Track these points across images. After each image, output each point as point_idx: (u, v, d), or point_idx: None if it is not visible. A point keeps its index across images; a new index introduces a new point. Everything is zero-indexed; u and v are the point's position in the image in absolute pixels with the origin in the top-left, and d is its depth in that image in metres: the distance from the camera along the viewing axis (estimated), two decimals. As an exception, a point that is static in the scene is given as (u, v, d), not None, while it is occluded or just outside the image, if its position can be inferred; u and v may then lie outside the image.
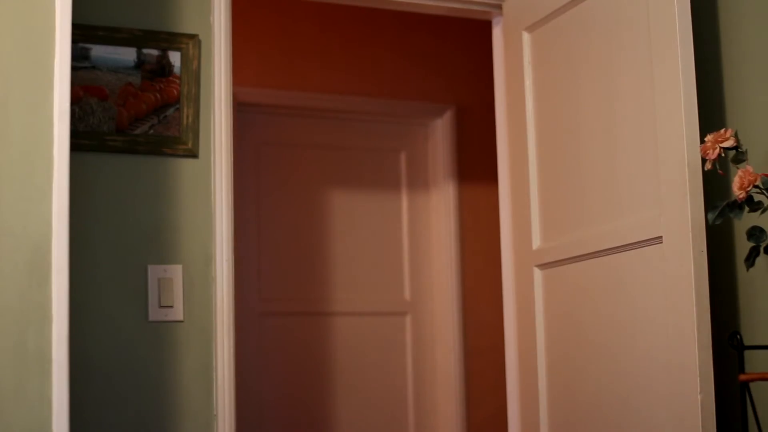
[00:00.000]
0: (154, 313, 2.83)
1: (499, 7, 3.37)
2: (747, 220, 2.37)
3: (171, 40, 2.92)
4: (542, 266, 3.07)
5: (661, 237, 2.58)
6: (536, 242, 3.10)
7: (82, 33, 2.80)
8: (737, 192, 2.25)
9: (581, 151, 2.94)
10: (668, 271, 2.55)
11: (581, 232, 2.92)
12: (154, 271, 2.84)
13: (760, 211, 2.26)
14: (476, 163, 4.94)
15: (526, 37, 3.20)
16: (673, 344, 2.52)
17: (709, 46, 2.76)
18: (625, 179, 2.75)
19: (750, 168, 2.26)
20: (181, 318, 2.85)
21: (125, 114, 2.87)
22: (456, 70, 5.06)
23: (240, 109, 4.47)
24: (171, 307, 2.84)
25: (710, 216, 2.29)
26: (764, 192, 2.24)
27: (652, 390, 2.60)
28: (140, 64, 2.90)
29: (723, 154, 2.30)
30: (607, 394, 2.77)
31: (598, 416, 2.81)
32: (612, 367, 2.75)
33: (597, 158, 2.87)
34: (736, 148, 2.30)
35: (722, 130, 2.32)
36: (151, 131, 2.89)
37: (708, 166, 2.33)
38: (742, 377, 2.36)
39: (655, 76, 2.62)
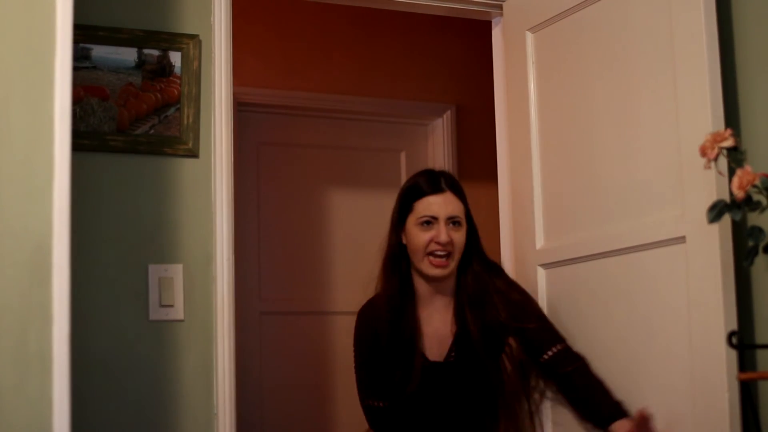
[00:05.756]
0: (155, 313, 2.84)
1: (500, 7, 3.37)
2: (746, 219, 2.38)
3: (172, 40, 2.93)
4: (546, 266, 3.07)
5: (684, 236, 2.58)
6: (540, 242, 3.11)
7: (83, 33, 2.81)
8: (736, 192, 2.25)
9: (594, 151, 2.94)
10: (692, 270, 2.55)
11: (591, 232, 2.92)
12: (154, 271, 2.85)
13: (759, 210, 2.27)
14: (476, 162, 4.94)
15: (529, 37, 3.21)
16: (697, 344, 2.53)
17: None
18: (644, 178, 2.75)
19: (749, 168, 2.26)
20: (181, 317, 2.86)
21: (126, 114, 2.88)
22: (456, 70, 5.07)
23: (240, 109, 4.47)
24: (171, 306, 2.85)
25: (709, 215, 2.30)
26: (763, 192, 2.25)
27: (673, 389, 2.61)
28: (141, 64, 2.90)
29: (722, 154, 2.31)
30: (623, 395, 2.76)
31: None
32: (628, 367, 2.76)
33: (612, 157, 2.87)
34: (735, 148, 2.31)
35: (721, 130, 2.33)
36: (152, 131, 2.90)
37: (707, 165, 2.33)
38: (742, 376, 2.36)
39: (678, 74, 2.64)
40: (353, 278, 4.74)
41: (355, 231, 4.82)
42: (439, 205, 2.91)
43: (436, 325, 2.97)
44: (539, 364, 2.92)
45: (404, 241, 2.97)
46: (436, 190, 2.93)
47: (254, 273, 4.67)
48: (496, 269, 3.03)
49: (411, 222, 2.94)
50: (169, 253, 2.87)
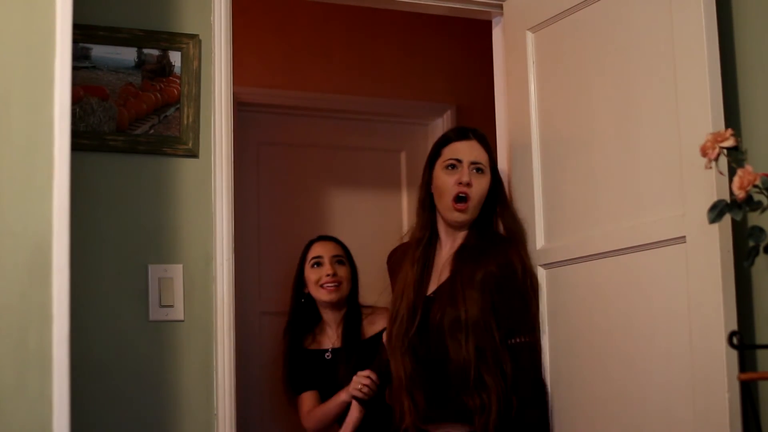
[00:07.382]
0: (155, 313, 2.84)
1: (500, 6, 3.37)
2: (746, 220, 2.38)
3: (171, 40, 2.92)
4: (547, 266, 3.06)
5: (684, 236, 2.58)
6: (540, 242, 3.10)
7: (82, 33, 2.81)
8: (737, 191, 2.25)
9: (594, 151, 2.94)
10: (692, 271, 2.55)
11: (592, 232, 2.92)
12: (154, 271, 2.84)
13: (759, 211, 2.27)
14: (476, 162, 4.93)
15: (530, 36, 3.21)
16: (697, 344, 2.53)
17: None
18: (645, 178, 2.75)
19: (749, 168, 2.26)
20: (181, 317, 2.86)
21: (126, 114, 2.88)
22: (456, 70, 5.07)
23: (240, 109, 4.47)
24: (171, 306, 2.85)
25: (710, 215, 2.30)
26: (764, 192, 2.25)
27: (673, 389, 2.61)
28: (141, 64, 2.90)
29: (723, 154, 2.31)
30: (622, 395, 2.77)
31: (610, 417, 2.81)
32: (628, 367, 2.76)
33: (612, 157, 2.86)
34: (735, 147, 2.31)
35: (722, 130, 2.33)
36: (152, 131, 2.90)
37: (707, 165, 2.33)
38: (742, 377, 2.36)
39: (678, 74, 2.63)
40: (353, 278, 4.74)
41: (355, 231, 4.81)
42: (464, 149, 3.13)
43: (442, 263, 3.15)
44: (505, 344, 3.00)
45: (432, 189, 3.17)
46: (463, 137, 3.17)
47: (254, 273, 4.66)
48: (518, 229, 3.15)
49: (438, 166, 3.15)
50: (169, 253, 2.87)
